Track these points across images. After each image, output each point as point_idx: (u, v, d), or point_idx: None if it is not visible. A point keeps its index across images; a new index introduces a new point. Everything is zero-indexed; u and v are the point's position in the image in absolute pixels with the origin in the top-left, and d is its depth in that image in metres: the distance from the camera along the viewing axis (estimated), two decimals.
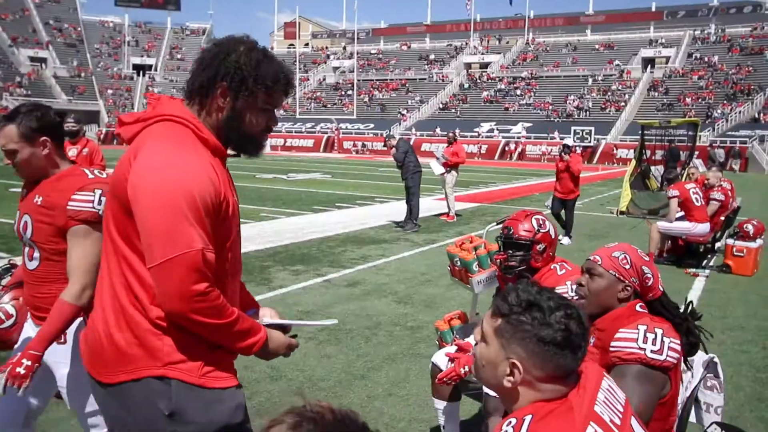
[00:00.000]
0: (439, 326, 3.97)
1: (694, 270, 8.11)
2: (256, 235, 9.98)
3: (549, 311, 1.44)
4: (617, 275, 2.26)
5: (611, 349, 2.14)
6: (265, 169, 26.83)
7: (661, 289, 2.36)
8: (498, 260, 3.18)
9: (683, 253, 8.76)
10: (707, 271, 8.13)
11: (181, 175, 1.58)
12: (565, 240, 10.19)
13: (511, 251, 3.10)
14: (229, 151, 1.82)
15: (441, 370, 3.11)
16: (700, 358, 2.54)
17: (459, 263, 4.06)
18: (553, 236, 3.11)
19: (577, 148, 11.37)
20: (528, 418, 1.37)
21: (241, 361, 4.52)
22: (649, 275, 2.34)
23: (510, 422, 1.39)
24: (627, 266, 2.27)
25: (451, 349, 3.22)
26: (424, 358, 4.60)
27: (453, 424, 3.23)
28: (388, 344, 5.06)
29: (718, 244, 9.19)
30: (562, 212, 10.66)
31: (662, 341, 2.09)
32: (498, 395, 1.54)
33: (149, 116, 1.72)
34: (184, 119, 1.70)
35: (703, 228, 8.30)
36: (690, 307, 2.40)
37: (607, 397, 1.49)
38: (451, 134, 12.98)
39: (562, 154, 10.57)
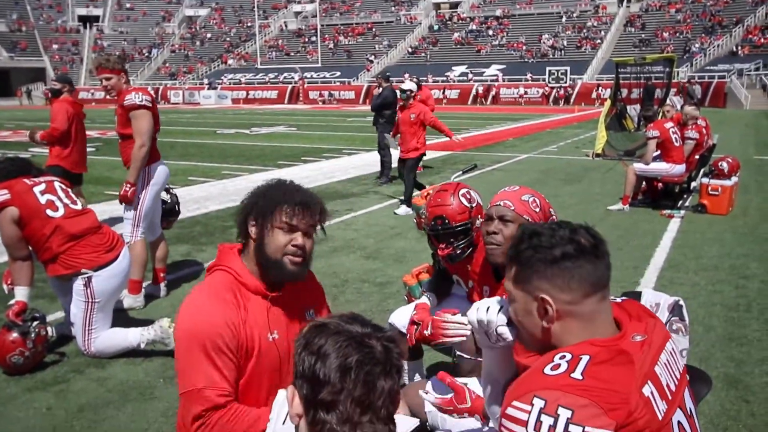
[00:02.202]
0: (407, 281, 3.99)
1: (669, 211, 8.25)
2: (218, 194, 9.88)
3: (550, 232, 1.46)
4: (530, 219, 2.29)
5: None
6: (226, 123, 26.43)
7: None
8: (443, 256, 2.97)
9: (658, 195, 8.90)
10: (683, 212, 8.28)
11: (200, 321, 1.98)
12: (402, 209, 8.46)
13: (452, 240, 2.92)
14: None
15: (399, 330, 3.14)
16: (665, 301, 2.59)
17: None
18: (482, 203, 2.99)
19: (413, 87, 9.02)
20: (585, 358, 1.34)
21: None
22: (554, 217, 2.44)
23: (564, 356, 1.36)
24: (537, 209, 2.33)
25: (409, 308, 3.25)
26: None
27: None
28: (357, 302, 5.09)
29: (693, 184, 9.34)
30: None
31: None
32: (552, 345, 1.47)
33: (211, 266, 2.19)
34: (229, 268, 2.11)
35: (680, 168, 8.42)
36: None
37: (668, 360, 1.48)
38: (415, 79, 12.73)
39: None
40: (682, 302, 2.60)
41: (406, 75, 43.08)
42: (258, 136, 20.50)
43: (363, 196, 9.78)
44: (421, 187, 8.51)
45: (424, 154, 8.95)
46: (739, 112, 31.13)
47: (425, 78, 44.79)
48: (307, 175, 11.91)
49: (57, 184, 4.03)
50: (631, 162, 9.38)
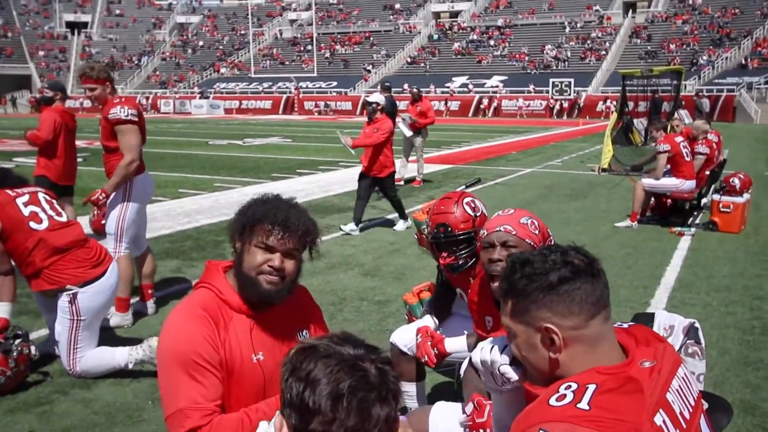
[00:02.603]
0: (407, 300, 3.96)
1: (679, 229, 8.24)
2: (210, 207, 9.85)
3: (542, 258, 1.44)
4: (531, 243, 2.27)
5: None
6: (218, 134, 26.46)
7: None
8: (445, 265, 2.94)
9: (668, 212, 8.90)
10: (693, 230, 8.28)
11: (178, 340, 1.98)
12: (400, 225, 8.44)
13: (454, 249, 2.91)
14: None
15: (400, 350, 3.11)
16: (680, 323, 2.57)
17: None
18: (486, 213, 2.98)
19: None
20: (592, 387, 1.31)
21: None
22: (551, 238, 2.42)
23: (569, 386, 1.33)
24: (536, 232, 2.31)
25: (411, 327, 3.22)
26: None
27: (421, 405, 3.22)
28: (355, 321, 5.05)
29: (703, 200, 9.34)
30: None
31: None
32: (560, 377, 1.44)
33: (196, 284, 2.19)
34: (212, 285, 2.11)
35: (690, 184, 8.42)
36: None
37: (681, 387, 1.44)
38: (414, 90, 12.70)
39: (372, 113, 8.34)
40: (697, 324, 2.57)
41: (406, 86, 43.38)
42: (251, 148, 20.51)
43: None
44: (398, 203, 8.50)
45: (395, 173, 8.70)
46: (748, 126, 31.29)
47: (428, 89, 45.05)
48: (303, 188, 11.89)
49: (41, 195, 4.00)
50: (639, 177, 9.39)
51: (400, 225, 8.41)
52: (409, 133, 12.14)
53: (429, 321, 3.24)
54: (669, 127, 10.71)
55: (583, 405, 1.27)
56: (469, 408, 2.05)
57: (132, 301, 5.04)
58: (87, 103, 45.80)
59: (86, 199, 4.78)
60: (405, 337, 3.15)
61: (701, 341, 2.55)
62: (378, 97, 8.54)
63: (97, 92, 4.80)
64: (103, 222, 4.90)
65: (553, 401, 1.31)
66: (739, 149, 18.23)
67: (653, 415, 1.30)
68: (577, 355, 1.41)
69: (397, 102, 12.67)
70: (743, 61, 41.17)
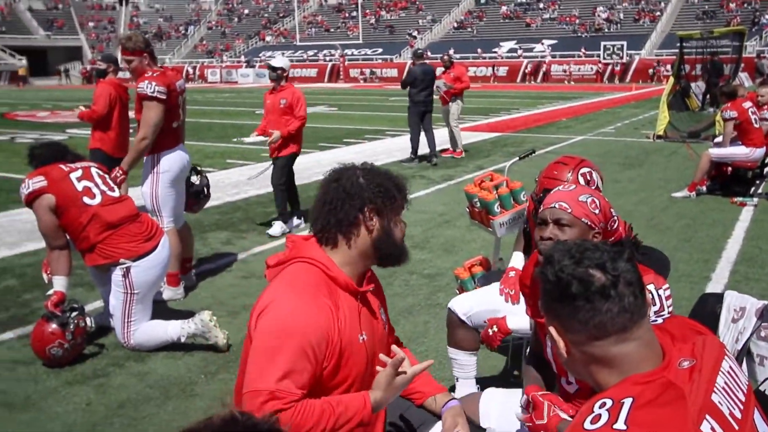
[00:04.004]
0: (459, 274, 3.91)
1: (741, 199, 7.92)
2: (257, 179, 9.88)
3: (559, 262, 1.35)
4: (589, 222, 2.11)
5: None
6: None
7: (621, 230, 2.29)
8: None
9: (728, 180, 8.56)
10: (755, 200, 7.94)
11: (297, 321, 1.82)
12: (276, 228, 6.75)
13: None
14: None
15: (458, 317, 3.06)
16: (752, 305, 2.45)
17: (479, 204, 3.96)
18: (601, 187, 2.77)
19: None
20: (628, 402, 1.21)
21: (244, 319, 4.49)
22: (615, 218, 2.27)
23: (604, 403, 1.24)
24: (597, 211, 2.13)
25: (471, 296, 3.18)
26: (443, 309, 4.52)
27: (468, 378, 3.16)
28: (404, 295, 5.01)
29: (766, 169, 8.96)
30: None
31: None
32: (589, 381, 1.40)
33: (286, 258, 1.99)
34: (315, 260, 1.94)
35: (761, 152, 8.04)
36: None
37: (727, 383, 1.33)
38: (446, 57, 12.25)
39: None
40: None
41: (451, 51, 42.74)
42: None
43: (409, 180, 9.64)
44: (293, 193, 7.06)
45: (297, 154, 6.91)
46: None
47: (475, 54, 44.33)
48: (351, 158, 11.67)
49: (94, 170, 4.03)
50: (697, 144, 9.03)
51: (276, 227, 6.73)
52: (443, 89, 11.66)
53: (494, 290, 3.18)
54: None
55: (620, 425, 1.18)
56: (523, 400, 1.97)
57: None
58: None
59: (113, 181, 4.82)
60: (464, 305, 3.10)
61: None
62: (282, 62, 6.84)
63: (134, 64, 4.77)
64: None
65: (588, 425, 1.22)
66: None
67: (699, 422, 1.20)
68: (594, 370, 1.34)
69: (437, 69, 12.34)
70: None
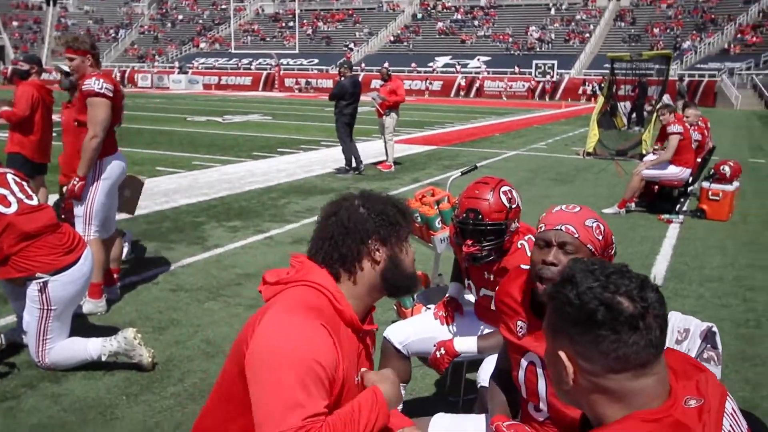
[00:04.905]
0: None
1: (668, 216, 8.14)
2: (188, 187, 9.58)
3: (587, 285, 1.21)
4: (593, 249, 2.00)
5: None
6: (197, 110, 25.98)
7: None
8: (468, 254, 2.71)
9: (655, 198, 8.79)
10: (681, 217, 8.18)
11: (297, 341, 1.64)
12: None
13: (481, 238, 2.68)
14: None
15: (394, 346, 2.94)
16: (696, 326, 2.43)
17: (420, 219, 3.87)
18: (521, 206, 2.78)
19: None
20: None
21: (171, 336, 4.26)
22: (613, 245, 2.19)
23: None
24: (600, 237, 2.02)
25: (407, 324, 3.07)
26: (381, 325, 4.43)
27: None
28: None
29: (690, 187, 9.26)
30: None
31: None
32: (585, 410, 1.29)
33: (291, 280, 1.81)
34: (325, 288, 1.78)
35: (688, 173, 8.27)
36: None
37: (732, 426, 1.25)
38: (384, 70, 12.28)
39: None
40: (715, 329, 2.43)
41: (386, 64, 42.98)
42: (231, 125, 20.13)
43: (344, 192, 9.53)
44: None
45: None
46: (729, 111, 31.42)
47: (411, 69, 44.69)
48: (284, 167, 11.63)
49: (10, 177, 3.75)
50: (627, 163, 9.25)
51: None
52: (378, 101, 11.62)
53: (429, 316, 3.07)
54: (655, 116, 10.53)
55: None
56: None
57: None
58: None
59: (68, 192, 4.55)
60: (401, 334, 2.97)
61: (718, 346, 2.42)
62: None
63: (76, 62, 4.59)
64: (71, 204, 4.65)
65: None
66: (722, 135, 18.20)
67: None
68: (598, 400, 1.22)
69: (373, 81, 12.33)
70: (726, 47, 41.28)
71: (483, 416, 2.28)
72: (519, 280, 2.13)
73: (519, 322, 2.08)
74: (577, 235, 1.97)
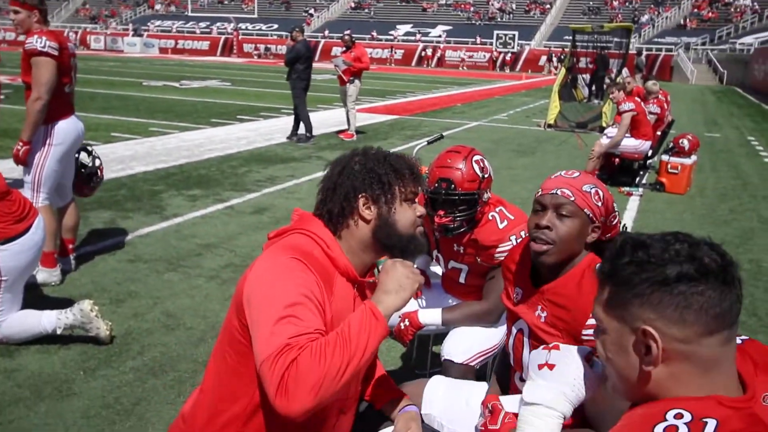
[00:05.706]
0: None
1: (628, 189, 8.23)
2: (146, 154, 9.30)
3: (662, 245, 1.14)
4: (591, 215, 1.92)
5: (584, 338, 1.84)
6: (153, 75, 25.31)
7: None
8: (440, 225, 2.63)
9: (616, 171, 8.87)
10: (641, 190, 8.28)
11: (291, 275, 1.63)
12: None
13: (452, 209, 2.60)
14: None
15: None
16: None
17: None
18: (492, 176, 2.71)
19: None
20: (712, 423, 1.04)
21: (129, 308, 4.12)
22: (616, 212, 2.11)
23: (681, 414, 1.06)
24: (599, 203, 1.95)
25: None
26: None
27: None
28: None
29: (650, 161, 9.37)
30: None
31: None
32: (650, 394, 1.17)
33: (288, 229, 1.82)
34: (318, 236, 1.77)
35: (648, 145, 8.36)
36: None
37: None
38: (347, 37, 12.10)
39: None
40: None
41: (347, 31, 42.34)
42: (189, 91, 19.64)
43: (305, 161, 9.40)
44: None
45: None
46: (684, 86, 31.92)
47: (371, 36, 44.21)
48: (244, 135, 11.40)
49: None
50: (587, 135, 9.31)
51: None
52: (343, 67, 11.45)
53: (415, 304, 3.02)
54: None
55: None
56: (484, 406, 1.82)
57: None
58: (10, 36, 43.14)
59: (13, 157, 4.33)
60: None
61: None
62: None
63: (21, 17, 4.29)
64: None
65: None
66: (678, 110, 18.47)
67: None
68: (681, 374, 1.12)
69: (333, 48, 12.16)
70: (682, 21, 41.83)
71: (484, 383, 2.27)
72: (521, 248, 2.10)
73: (517, 289, 2.06)
74: (572, 199, 1.90)
